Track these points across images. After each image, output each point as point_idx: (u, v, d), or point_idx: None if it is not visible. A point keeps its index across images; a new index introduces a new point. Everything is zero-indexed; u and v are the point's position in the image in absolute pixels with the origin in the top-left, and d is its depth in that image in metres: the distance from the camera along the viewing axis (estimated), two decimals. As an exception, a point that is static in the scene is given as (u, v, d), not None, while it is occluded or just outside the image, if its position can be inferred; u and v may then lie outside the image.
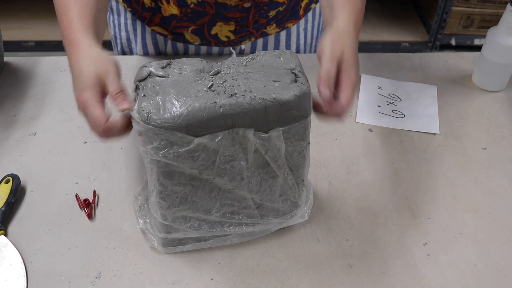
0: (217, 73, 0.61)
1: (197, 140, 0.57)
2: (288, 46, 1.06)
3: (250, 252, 0.72)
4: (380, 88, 1.00)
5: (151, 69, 0.61)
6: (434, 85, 1.01)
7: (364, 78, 1.02)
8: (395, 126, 0.92)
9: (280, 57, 0.63)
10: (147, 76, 0.60)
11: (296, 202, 0.70)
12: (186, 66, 0.62)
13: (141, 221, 0.71)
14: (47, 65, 1.03)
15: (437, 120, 0.93)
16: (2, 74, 1.00)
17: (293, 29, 1.04)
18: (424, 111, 0.95)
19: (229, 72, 0.61)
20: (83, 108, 0.60)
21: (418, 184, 0.82)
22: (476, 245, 0.73)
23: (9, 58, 1.03)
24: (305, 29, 1.06)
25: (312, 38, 1.09)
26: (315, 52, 1.12)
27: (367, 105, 0.96)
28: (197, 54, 1.04)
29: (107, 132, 0.59)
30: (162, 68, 0.61)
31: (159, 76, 0.60)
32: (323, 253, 0.72)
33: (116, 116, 0.60)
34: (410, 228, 0.75)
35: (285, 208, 0.70)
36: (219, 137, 0.58)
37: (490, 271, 0.70)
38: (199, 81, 0.59)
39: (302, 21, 1.04)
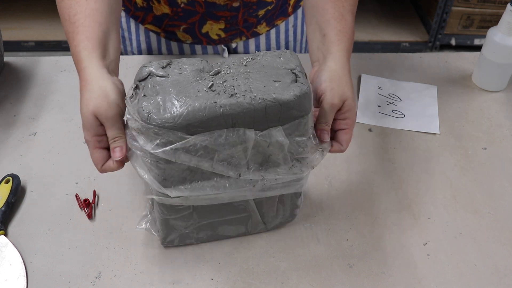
0: (217, 73, 0.61)
1: (195, 137, 0.57)
2: (277, 43, 1.06)
3: (250, 252, 0.72)
4: (380, 88, 1.00)
5: (151, 69, 0.61)
6: (434, 85, 1.01)
7: (364, 78, 1.02)
8: (395, 126, 0.92)
9: (280, 57, 0.63)
10: (148, 76, 0.60)
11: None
12: (186, 66, 0.61)
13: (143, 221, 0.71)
14: (47, 65, 1.03)
15: (437, 120, 0.93)
16: (2, 74, 1.00)
17: (282, 26, 1.05)
18: (424, 111, 0.95)
19: (230, 72, 0.61)
20: (87, 144, 0.63)
21: (418, 184, 0.82)
22: (476, 245, 0.73)
23: (9, 58, 1.04)
24: (294, 26, 1.07)
25: (302, 34, 1.10)
26: (306, 50, 1.14)
27: (367, 105, 0.96)
28: (192, 54, 1.05)
29: (103, 171, 0.64)
30: (162, 68, 0.61)
31: (159, 76, 0.60)
32: (323, 253, 0.72)
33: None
34: (410, 228, 0.75)
35: (285, 211, 0.71)
36: (217, 135, 0.57)
37: (490, 271, 0.70)
38: (200, 81, 0.59)
39: (291, 18, 1.05)
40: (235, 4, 0.95)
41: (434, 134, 0.91)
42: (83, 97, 0.62)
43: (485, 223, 0.76)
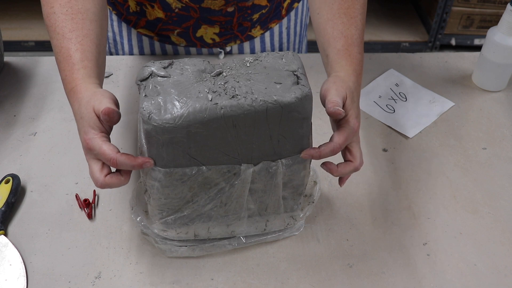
0: (219, 74, 0.61)
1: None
2: (272, 45, 1.07)
3: (250, 252, 0.72)
4: (397, 85, 1.00)
5: (153, 69, 0.61)
6: (453, 102, 0.97)
7: (391, 72, 1.02)
8: (378, 117, 0.93)
9: (282, 59, 0.63)
10: (149, 76, 0.60)
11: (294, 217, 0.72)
12: (188, 67, 0.61)
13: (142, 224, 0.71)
14: (47, 65, 1.03)
15: (419, 129, 0.91)
16: (2, 74, 1.00)
17: (276, 29, 1.05)
18: (415, 115, 0.94)
19: (231, 73, 0.61)
20: (89, 148, 0.59)
21: (418, 184, 0.82)
22: (476, 245, 0.74)
23: (9, 58, 1.03)
24: (288, 28, 1.07)
25: (295, 36, 1.10)
26: (299, 51, 1.15)
27: (370, 91, 0.96)
28: (187, 54, 1.05)
29: (117, 164, 0.59)
30: (164, 68, 0.61)
31: (160, 76, 0.60)
32: (323, 253, 0.72)
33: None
34: (410, 228, 0.75)
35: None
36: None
37: (490, 271, 0.70)
38: (201, 82, 0.59)
39: (284, 21, 1.05)
40: (230, 9, 0.95)
41: (434, 134, 0.91)
42: (81, 104, 0.61)
43: (485, 223, 0.77)
